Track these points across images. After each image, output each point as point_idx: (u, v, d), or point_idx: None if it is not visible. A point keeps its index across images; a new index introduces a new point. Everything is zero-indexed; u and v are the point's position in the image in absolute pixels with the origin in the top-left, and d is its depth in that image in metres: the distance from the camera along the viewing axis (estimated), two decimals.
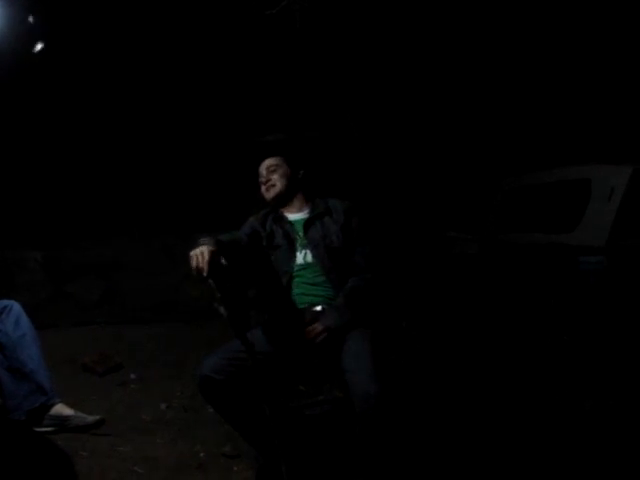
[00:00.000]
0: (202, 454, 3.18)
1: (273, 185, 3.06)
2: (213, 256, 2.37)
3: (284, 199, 3.08)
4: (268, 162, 3.11)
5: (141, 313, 6.25)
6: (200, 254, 2.36)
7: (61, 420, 3.21)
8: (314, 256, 2.90)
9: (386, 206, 6.68)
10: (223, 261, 2.42)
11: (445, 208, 6.98)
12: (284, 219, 3.04)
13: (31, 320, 3.30)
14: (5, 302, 3.24)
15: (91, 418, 3.29)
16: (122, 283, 6.61)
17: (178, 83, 7.11)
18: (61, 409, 3.23)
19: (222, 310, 2.37)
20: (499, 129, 7.56)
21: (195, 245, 2.43)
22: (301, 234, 2.97)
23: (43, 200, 6.91)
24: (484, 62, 7.27)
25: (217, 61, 6.96)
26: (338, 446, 2.86)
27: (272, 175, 3.06)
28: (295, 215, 3.07)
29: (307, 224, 2.99)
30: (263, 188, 3.10)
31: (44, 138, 7.00)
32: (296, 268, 2.91)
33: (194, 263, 2.36)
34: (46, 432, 3.20)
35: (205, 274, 2.33)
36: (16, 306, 3.24)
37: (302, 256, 2.92)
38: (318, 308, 2.83)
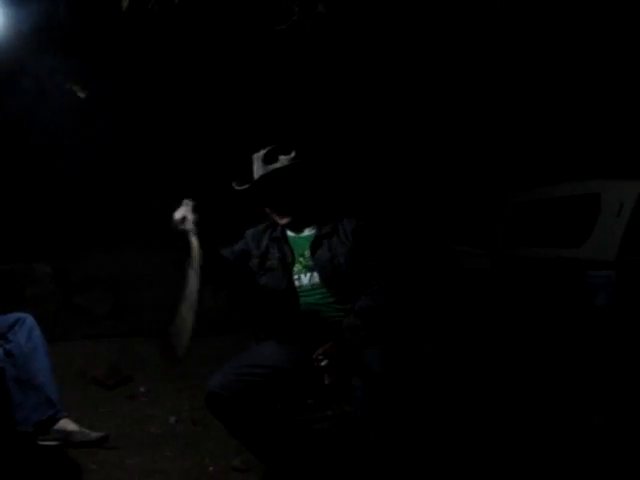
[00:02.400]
0: (211, 468, 3.17)
1: (288, 212, 2.90)
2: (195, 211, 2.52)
3: (295, 224, 2.95)
4: (283, 187, 2.89)
5: (150, 326, 6.24)
6: (182, 208, 2.55)
7: (65, 435, 3.22)
8: (321, 278, 2.83)
9: (395, 221, 6.69)
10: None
11: (455, 223, 6.98)
12: (282, 240, 2.95)
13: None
14: (18, 315, 3.26)
15: (95, 434, 3.29)
16: (131, 296, 6.62)
17: (187, 96, 7.14)
18: (65, 424, 3.24)
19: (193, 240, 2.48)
20: (509, 143, 7.56)
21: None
22: (307, 254, 2.89)
23: (53, 212, 6.93)
24: (496, 78, 7.28)
25: (224, 79, 6.99)
26: (346, 460, 2.86)
27: (288, 201, 2.90)
28: (301, 234, 2.97)
29: (315, 244, 2.89)
30: (277, 213, 2.94)
31: (55, 150, 7.03)
32: (303, 290, 2.85)
33: (177, 216, 2.53)
34: (50, 445, 3.21)
35: (188, 226, 2.49)
36: (29, 319, 3.25)
37: (308, 279, 2.85)
38: (327, 327, 2.81)
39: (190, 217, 2.47)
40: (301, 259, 2.90)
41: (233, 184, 3.03)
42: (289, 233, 2.98)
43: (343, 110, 7.26)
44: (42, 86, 6.37)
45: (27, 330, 3.21)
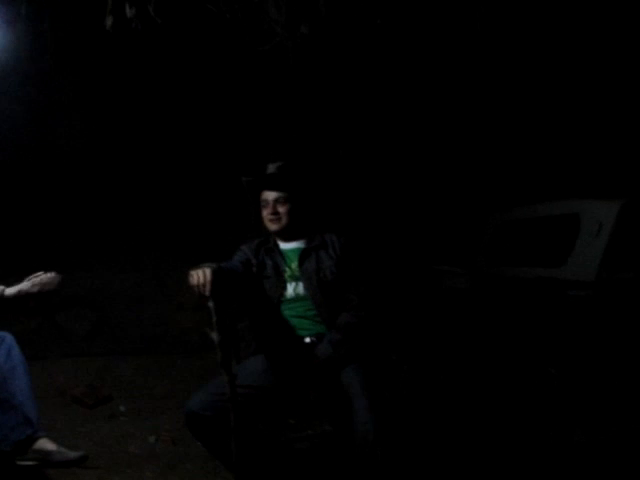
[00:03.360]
0: None
1: (279, 219, 2.97)
2: (215, 277, 2.36)
3: (286, 231, 3.02)
4: (275, 193, 2.97)
5: (131, 345, 6.22)
6: (202, 273, 2.36)
7: (43, 455, 3.19)
8: (306, 289, 2.89)
9: (377, 238, 6.71)
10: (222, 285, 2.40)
11: (435, 242, 7.01)
12: (275, 250, 3.02)
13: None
14: None
15: (73, 454, 3.26)
16: (112, 314, 6.59)
17: (169, 116, 7.15)
18: (44, 444, 3.21)
19: (214, 335, 2.34)
20: (490, 163, 7.62)
21: (196, 267, 2.42)
22: (294, 265, 2.96)
23: (33, 231, 6.90)
24: (478, 100, 7.35)
25: (211, 93, 7.01)
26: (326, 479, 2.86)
27: (280, 208, 2.96)
28: (290, 244, 3.04)
29: (303, 255, 2.97)
30: (268, 218, 3.00)
31: (37, 169, 7.01)
32: (286, 300, 2.90)
33: (196, 281, 2.35)
34: (28, 465, 3.18)
35: (207, 293, 2.32)
36: (8, 337, 3.24)
37: (292, 288, 2.91)
38: (307, 340, 2.84)
39: (209, 284, 2.35)
40: (288, 269, 2.95)
41: (243, 179, 3.08)
42: (280, 244, 3.04)
43: (324, 128, 7.29)
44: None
45: (6, 349, 3.19)
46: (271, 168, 3.04)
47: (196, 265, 2.42)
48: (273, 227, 3.00)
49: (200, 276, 2.35)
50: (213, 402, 2.48)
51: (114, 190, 7.17)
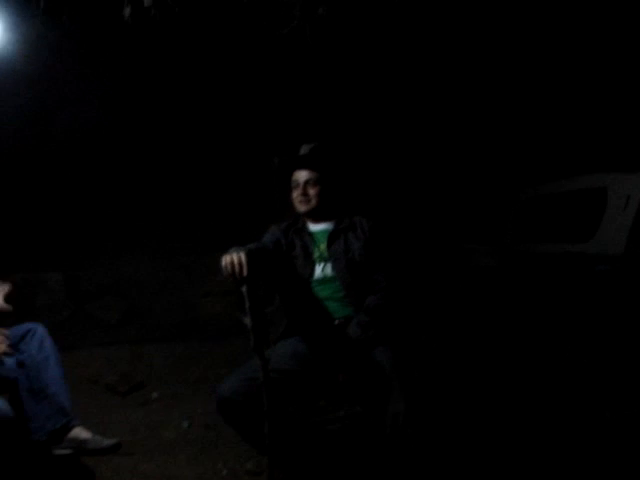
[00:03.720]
0: (225, 472, 3.19)
1: (309, 200, 2.99)
2: (250, 258, 2.36)
3: (315, 213, 3.04)
4: (306, 174, 2.99)
5: (161, 332, 6.28)
6: (237, 256, 2.35)
7: (78, 443, 3.24)
8: (334, 269, 2.90)
9: (405, 219, 6.69)
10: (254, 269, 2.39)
11: (463, 220, 6.97)
12: (305, 231, 3.04)
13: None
14: (30, 325, 3.28)
15: (107, 442, 3.31)
16: (142, 302, 6.66)
17: (192, 103, 7.17)
18: (79, 432, 3.25)
19: (247, 320, 2.34)
20: (516, 140, 7.55)
21: (227, 253, 2.41)
22: (323, 246, 2.97)
23: (62, 221, 6.97)
24: (504, 74, 7.27)
25: (233, 78, 7.01)
26: (359, 461, 2.86)
27: (310, 189, 2.98)
28: (319, 226, 3.06)
29: (332, 236, 2.99)
30: (299, 199, 3.02)
31: (63, 162, 7.07)
32: (314, 281, 2.92)
33: (230, 266, 2.34)
34: (64, 454, 3.23)
35: (244, 274, 2.32)
36: (40, 329, 3.27)
37: (321, 269, 2.92)
38: (335, 322, 2.84)
39: (245, 267, 2.33)
40: (316, 250, 2.97)
41: (275, 159, 3.09)
42: (309, 225, 3.07)
43: (350, 110, 7.27)
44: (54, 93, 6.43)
45: (38, 340, 3.23)
46: (304, 149, 3.04)
47: (225, 250, 2.42)
48: (302, 208, 3.02)
49: (235, 259, 2.34)
50: (244, 387, 2.49)
51: (143, 179, 7.23)
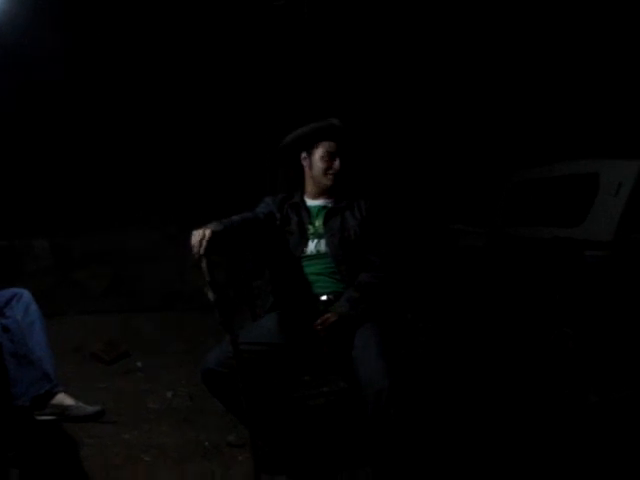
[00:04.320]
0: (207, 443, 3.20)
1: (337, 174, 2.98)
2: (213, 237, 2.36)
3: (331, 188, 3.02)
4: (335, 146, 2.98)
5: (148, 302, 6.26)
6: (202, 233, 2.36)
7: (61, 409, 3.23)
8: (327, 245, 2.89)
9: (396, 199, 6.68)
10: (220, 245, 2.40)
11: (452, 201, 6.97)
12: (301, 206, 3.02)
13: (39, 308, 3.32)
14: (16, 290, 3.26)
15: (91, 409, 3.31)
16: (129, 271, 6.63)
17: (182, 76, 7.12)
18: (63, 398, 3.25)
19: (210, 294, 2.36)
20: (507, 122, 7.54)
21: (200, 226, 2.42)
22: (319, 223, 2.96)
23: (50, 189, 6.93)
24: (493, 57, 7.25)
25: (223, 54, 6.96)
26: (341, 437, 2.88)
27: (336, 163, 2.97)
28: (317, 201, 3.04)
29: (329, 214, 2.97)
30: (331, 172, 2.98)
31: (53, 129, 7.01)
32: (306, 257, 2.90)
33: (194, 240, 2.36)
34: (47, 420, 3.23)
35: (202, 252, 2.33)
36: (26, 294, 3.26)
37: (314, 245, 2.91)
38: (323, 298, 2.84)
39: (205, 243, 2.34)
40: (311, 227, 2.96)
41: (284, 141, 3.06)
42: (307, 200, 3.06)
43: (345, 91, 7.23)
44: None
45: (24, 305, 3.22)
46: (335, 121, 3.00)
47: (202, 225, 2.43)
48: (329, 182, 2.99)
49: (198, 235, 2.35)
50: (229, 359, 2.48)
51: (134, 149, 7.18)
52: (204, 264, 2.34)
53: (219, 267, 2.44)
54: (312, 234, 2.94)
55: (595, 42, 6.85)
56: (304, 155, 3.06)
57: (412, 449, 2.59)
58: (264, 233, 2.88)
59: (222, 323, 2.38)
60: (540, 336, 4.46)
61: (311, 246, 2.91)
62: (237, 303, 2.57)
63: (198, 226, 2.40)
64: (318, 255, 2.89)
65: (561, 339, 4.31)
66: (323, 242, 2.91)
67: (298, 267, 2.88)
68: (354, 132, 3.02)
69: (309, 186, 3.08)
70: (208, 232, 2.36)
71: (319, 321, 2.66)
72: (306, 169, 3.07)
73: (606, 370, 3.87)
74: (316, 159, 3.00)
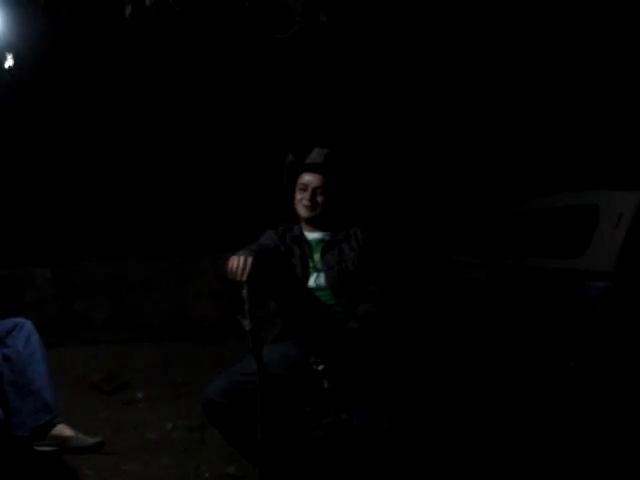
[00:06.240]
0: (207, 474, 3.17)
1: (315, 207, 2.94)
2: (254, 265, 2.37)
3: (316, 220, 2.99)
4: (318, 181, 2.94)
5: (148, 332, 6.26)
6: (244, 259, 2.36)
7: (61, 440, 3.21)
8: (327, 279, 2.88)
9: (396, 229, 6.70)
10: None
11: (453, 232, 6.99)
12: (302, 239, 3.00)
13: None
14: (17, 320, 3.26)
15: (90, 440, 3.28)
16: (130, 301, 6.64)
17: (191, 103, 7.17)
18: (62, 430, 3.23)
19: (246, 323, 2.34)
20: (509, 154, 7.58)
21: (235, 254, 2.41)
22: (317, 257, 2.95)
23: (52, 218, 6.95)
24: (495, 90, 7.31)
25: (232, 79, 7.01)
26: (343, 469, 2.86)
27: (318, 197, 2.94)
28: (315, 234, 3.02)
29: (326, 247, 2.96)
30: (305, 203, 2.95)
31: (53, 157, 7.06)
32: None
33: (235, 267, 2.35)
34: (46, 451, 3.21)
35: (245, 278, 2.33)
36: (28, 324, 3.26)
37: (314, 279, 2.90)
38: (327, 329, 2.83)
39: (248, 270, 2.34)
40: (310, 261, 2.95)
41: (289, 157, 3.04)
42: (305, 232, 3.03)
43: (347, 118, 7.28)
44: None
45: (25, 335, 3.21)
46: (317, 153, 3.00)
47: (236, 251, 2.43)
48: (306, 214, 2.97)
49: (241, 262, 2.35)
50: (231, 390, 2.48)
51: (136, 178, 7.22)
52: (245, 291, 2.34)
53: (259, 294, 2.43)
54: (312, 267, 2.93)
55: (596, 71, 6.90)
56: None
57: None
58: (273, 263, 2.88)
59: (253, 352, 2.37)
60: (542, 368, 4.45)
61: (311, 280, 2.90)
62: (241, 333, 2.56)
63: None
64: (318, 288, 2.89)
65: (563, 371, 4.30)
66: (322, 276, 2.90)
67: (310, 294, 2.88)
68: (341, 162, 3.02)
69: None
70: (250, 260, 2.36)
71: (314, 358, 2.66)
72: None
73: (609, 403, 3.85)
74: (296, 190, 3.01)
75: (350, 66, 6.77)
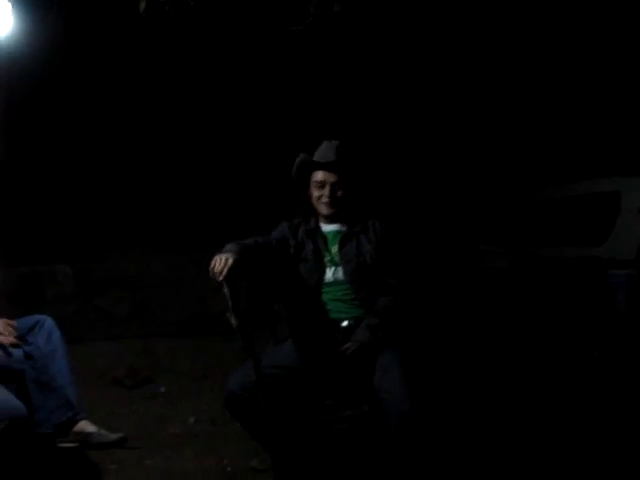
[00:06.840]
0: (229, 468, 3.18)
1: (336, 203, 2.92)
2: (234, 264, 2.38)
3: (336, 215, 2.97)
4: (334, 176, 2.91)
5: (170, 327, 6.28)
6: (223, 259, 2.39)
7: (83, 437, 3.22)
8: (345, 273, 2.86)
9: (416, 221, 6.67)
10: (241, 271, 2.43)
11: (475, 221, 6.94)
12: (317, 232, 2.98)
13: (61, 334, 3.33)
14: (38, 317, 3.27)
15: (113, 436, 3.29)
16: (151, 296, 6.64)
17: (206, 98, 7.17)
18: (85, 426, 3.24)
19: (233, 320, 2.38)
20: (530, 142, 7.52)
21: (220, 251, 2.45)
22: (334, 250, 2.92)
23: (72, 214, 6.98)
24: (517, 77, 7.25)
25: (245, 74, 7.01)
26: (364, 460, 2.85)
27: (338, 192, 2.91)
28: (332, 226, 3.00)
29: (344, 239, 2.94)
30: (325, 200, 2.93)
31: (74, 153, 7.09)
32: (325, 284, 2.88)
33: (213, 265, 2.39)
34: (69, 448, 3.22)
35: (221, 278, 2.35)
36: (49, 321, 3.27)
37: (332, 273, 2.88)
38: (344, 324, 2.82)
39: (225, 271, 2.37)
40: (327, 254, 2.93)
41: (300, 156, 3.02)
42: (322, 225, 3.02)
43: (364, 109, 7.25)
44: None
45: (46, 332, 3.22)
46: (327, 147, 2.97)
47: (222, 249, 2.47)
48: (327, 211, 2.94)
49: (222, 262, 2.38)
50: (251, 382, 2.48)
51: (156, 173, 7.23)
52: (226, 290, 2.35)
53: (240, 291, 2.45)
54: (329, 261, 2.91)
55: (617, 61, 6.82)
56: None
57: (434, 471, 2.56)
58: (275, 259, 2.87)
59: (245, 348, 2.39)
60: (564, 356, 4.42)
61: (329, 274, 2.88)
62: (259, 327, 2.56)
63: (217, 250, 2.41)
64: (336, 282, 2.87)
65: (586, 359, 4.27)
66: (340, 270, 2.88)
67: (312, 294, 2.86)
68: (353, 153, 3.00)
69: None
70: (230, 260, 2.38)
71: (342, 348, 2.67)
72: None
73: (632, 389, 3.82)
74: (312, 187, 2.99)
75: (367, 56, 6.74)
